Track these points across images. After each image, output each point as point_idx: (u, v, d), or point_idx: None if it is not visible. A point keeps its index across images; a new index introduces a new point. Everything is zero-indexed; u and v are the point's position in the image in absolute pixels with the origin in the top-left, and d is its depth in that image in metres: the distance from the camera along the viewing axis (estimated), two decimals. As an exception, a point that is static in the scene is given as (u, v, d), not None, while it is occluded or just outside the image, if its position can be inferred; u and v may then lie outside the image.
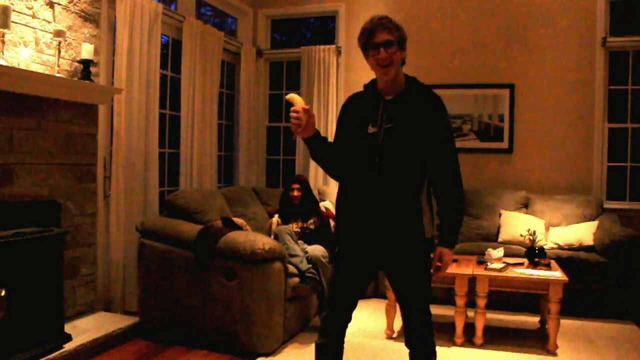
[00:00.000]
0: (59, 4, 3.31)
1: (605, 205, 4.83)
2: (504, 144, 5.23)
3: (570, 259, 4.12)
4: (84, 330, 3.24)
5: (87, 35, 3.55)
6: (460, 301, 3.47)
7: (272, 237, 3.85)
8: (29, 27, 3.10)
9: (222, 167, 5.52)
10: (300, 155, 5.69)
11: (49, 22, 3.23)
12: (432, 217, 2.16)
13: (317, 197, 4.86)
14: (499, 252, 3.75)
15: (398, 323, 3.88)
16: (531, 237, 3.78)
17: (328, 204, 4.83)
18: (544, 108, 5.13)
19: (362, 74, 5.51)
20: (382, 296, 3.72)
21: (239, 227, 3.69)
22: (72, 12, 3.43)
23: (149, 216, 3.99)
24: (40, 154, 3.12)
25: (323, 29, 6.35)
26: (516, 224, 4.55)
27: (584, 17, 5.00)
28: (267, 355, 3.27)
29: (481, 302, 3.45)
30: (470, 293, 3.49)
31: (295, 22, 6.34)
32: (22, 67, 2.94)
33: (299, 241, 3.90)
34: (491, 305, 3.64)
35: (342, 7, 5.68)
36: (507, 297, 4.01)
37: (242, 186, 5.36)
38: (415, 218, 2.10)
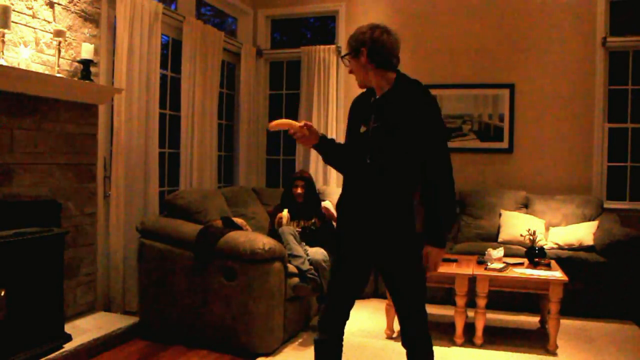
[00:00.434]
0: (59, 4, 3.31)
1: (605, 205, 4.83)
2: (504, 144, 5.23)
3: (570, 259, 4.12)
4: (84, 330, 3.24)
5: (87, 35, 3.55)
6: (460, 301, 3.47)
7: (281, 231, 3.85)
8: (29, 27, 3.10)
9: (222, 167, 5.52)
10: (300, 155, 5.69)
11: (49, 22, 3.23)
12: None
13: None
14: (499, 252, 3.75)
15: (398, 323, 3.88)
16: (531, 237, 3.78)
17: (328, 204, 4.83)
18: (544, 108, 5.13)
19: (362, 74, 5.53)
20: (382, 296, 3.72)
21: (239, 227, 3.69)
22: (72, 12, 3.43)
23: (149, 216, 3.99)
24: (40, 154, 3.12)
25: (323, 29, 6.36)
26: (516, 224, 4.55)
27: (584, 17, 5.00)
28: (267, 355, 3.27)
29: (481, 302, 3.45)
30: (470, 293, 3.49)
31: (295, 22, 6.34)
32: (22, 67, 2.93)
33: (302, 242, 3.88)
34: (491, 305, 3.64)
35: (342, 7, 5.68)
36: (507, 297, 4.01)
37: (242, 186, 5.36)
38: (406, 217, 2.11)
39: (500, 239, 4.63)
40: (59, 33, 3.17)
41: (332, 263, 2.30)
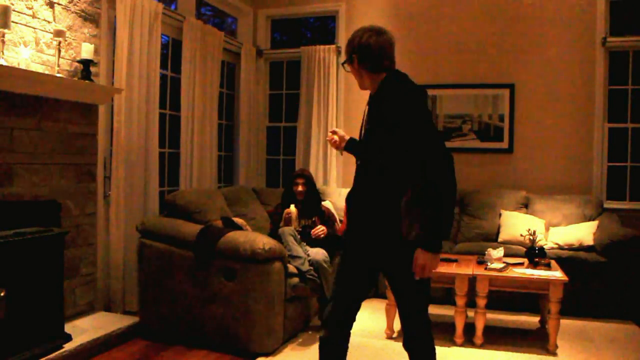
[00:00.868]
0: (59, 4, 3.31)
1: (605, 205, 4.83)
2: (504, 144, 5.23)
3: (570, 259, 4.12)
4: (84, 330, 3.24)
5: (87, 35, 3.55)
6: (460, 301, 3.47)
7: (293, 225, 3.84)
8: (29, 27, 3.10)
9: (222, 167, 5.52)
10: (300, 155, 5.69)
11: (49, 22, 3.23)
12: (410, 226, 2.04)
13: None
14: (499, 252, 3.74)
15: (398, 323, 3.88)
16: (531, 237, 3.78)
17: (328, 204, 4.83)
18: (544, 108, 5.13)
19: (362, 74, 5.53)
20: (382, 296, 3.72)
21: (239, 227, 3.69)
22: (72, 12, 3.43)
23: (149, 216, 3.99)
24: (40, 154, 3.12)
25: (323, 29, 6.36)
26: (516, 224, 4.55)
27: (584, 17, 5.00)
28: (267, 355, 3.27)
29: (481, 302, 3.45)
30: (470, 293, 3.49)
31: (295, 22, 6.34)
32: (22, 67, 2.93)
33: (302, 242, 3.86)
34: (491, 305, 3.63)
35: (342, 7, 5.68)
36: (507, 297, 4.01)
37: (242, 186, 5.36)
38: (395, 218, 2.02)
39: (500, 239, 4.63)
40: (59, 33, 3.17)
41: (339, 265, 2.29)
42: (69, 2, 3.39)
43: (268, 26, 6.09)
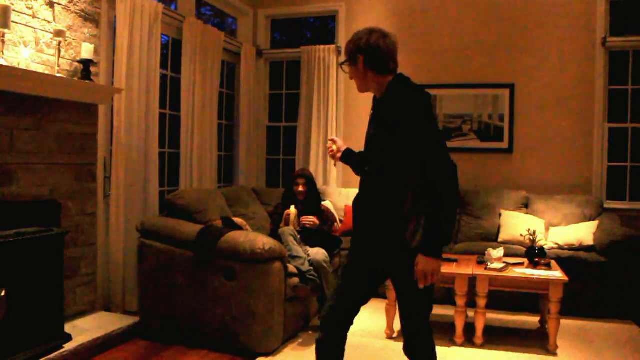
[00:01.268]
0: (59, 4, 3.31)
1: (605, 205, 4.83)
2: (504, 144, 5.23)
3: (570, 259, 4.12)
4: (84, 330, 3.24)
5: (87, 35, 3.55)
6: (460, 301, 3.47)
7: (292, 226, 3.83)
8: (29, 27, 3.10)
9: (222, 167, 5.52)
10: (300, 155, 5.70)
11: (49, 22, 3.23)
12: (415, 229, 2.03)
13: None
14: (499, 252, 3.74)
15: (398, 323, 3.87)
16: (531, 237, 3.78)
17: (328, 204, 4.83)
18: (544, 108, 5.13)
19: (362, 74, 5.52)
20: (382, 296, 3.71)
21: (239, 227, 3.69)
22: (72, 12, 3.43)
23: (149, 216, 3.99)
24: (40, 154, 3.12)
25: (323, 29, 6.36)
26: (516, 224, 4.55)
27: (584, 17, 5.00)
28: (267, 355, 3.27)
29: (481, 302, 3.45)
30: (470, 293, 3.49)
31: (295, 22, 6.35)
32: (22, 67, 2.93)
33: (302, 242, 3.86)
34: (491, 305, 3.63)
35: (342, 7, 5.68)
36: (507, 297, 4.01)
37: (242, 186, 5.36)
38: (398, 226, 2.02)
39: (500, 239, 4.63)
40: (59, 33, 3.17)
41: (342, 267, 2.29)
42: (69, 2, 3.39)
43: (268, 26, 6.09)
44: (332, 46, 5.60)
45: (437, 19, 5.37)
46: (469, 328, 3.56)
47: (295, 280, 3.52)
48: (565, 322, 3.69)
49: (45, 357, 2.80)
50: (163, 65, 4.45)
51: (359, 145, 2.37)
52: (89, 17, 3.56)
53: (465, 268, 3.58)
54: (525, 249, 3.92)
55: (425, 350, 2.13)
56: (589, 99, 5.01)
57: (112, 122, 3.85)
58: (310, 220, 3.92)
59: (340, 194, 5.25)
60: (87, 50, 3.36)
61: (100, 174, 3.74)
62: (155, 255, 3.52)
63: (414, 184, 1.98)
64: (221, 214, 3.95)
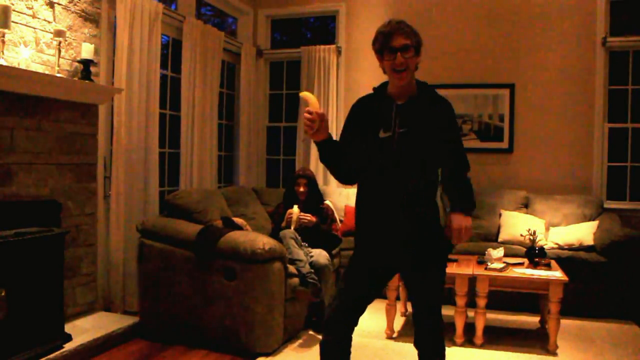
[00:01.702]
0: (59, 4, 3.31)
1: (605, 205, 4.83)
2: (504, 144, 5.23)
3: (570, 259, 4.11)
4: (84, 330, 3.24)
5: (87, 35, 3.55)
6: (461, 301, 3.47)
7: (293, 227, 3.82)
8: (29, 27, 3.10)
9: (222, 167, 5.52)
10: (300, 155, 5.70)
11: (49, 22, 3.23)
12: (445, 213, 2.16)
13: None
14: (499, 252, 3.74)
15: (398, 323, 3.88)
16: (531, 237, 3.78)
17: (328, 203, 4.82)
18: (544, 108, 5.13)
19: (362, 74, 5.53)
20: (382, 296, 3.71)
21: (239, 227, 3.69)
22: (72, 12, 3.43)
23: (149, 216, 3.99)
24: (40, 154, 3.12)
25: (323, 29, 6.36)
26: (516, 224, 4.55)
27: (584, 17, 5.00)
28: (267, 355, 3.27)
29: (481, 302, 3.45)
30: (470, 293, 3.49)
31: (295, 22, 6.35)
32: (22, 67, 2.93)
33: (304, 243, 3.85)
34: (491, 305, 3.63)
35: (342, 7, 5.68)
36: (507, 297, 4.00)
37: (242, 186, 5.36)
38: (432, 220, 2.09)
39: (500, 239, 4.63)
40: (59, 33, 3.16)
41: (347, 267, 2.27)
42: (69, 2, 3.39)
43: (268, 26, 6.09)
44: (332, 46, 5.60)
45: (437, 19, 5.37)
46: (469, 328, 3.56)
47: (295, 281, 3.52)
48: (565, 322, 3.69)
49: (45, 357, 2.80)
50: (163, 65, 4.45)
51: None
52: (89, 17, 3.56)
53: (465, 268, 3.58)
54: (525, 249, 3.92)
55: (438, 345, 2.16)
56: (589, 99, 5.01)
57: (112, 122, 3.85)
58: (307, 217, 3.91)
59: (341, 194, 5.25)
60: (87, 50, 3.36)
61: (100, 174, 3.74)
62: (155, 255, 3.52)
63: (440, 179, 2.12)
64: (221, 214, 3.95)
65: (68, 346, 2.97)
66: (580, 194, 4.87)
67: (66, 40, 3.33)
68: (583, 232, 4.39)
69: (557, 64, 5.08)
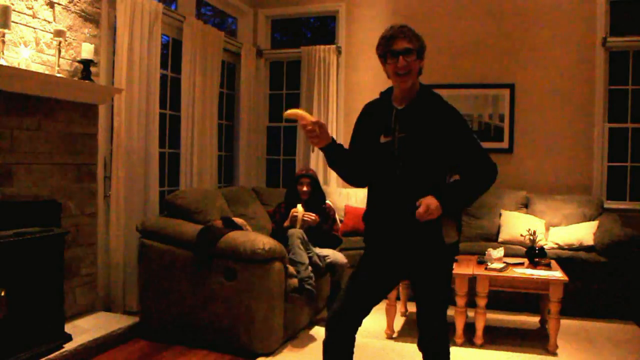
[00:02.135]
0: (59, 4, 3.31)
1: (606, 205, 4.83)
2: (504, 144, 5.23)
3: (570, 259, 4.11)
4: (84, 330, 3.24)
5: (88, 35, 3.55)
6: (461, 301, 3.46)
7: (299, 226, 3.82)
8: (29, 27, 3.10)
9: (222, 167, 5.52)
10: (300, 155, 5.70)
11: (49, 22, 3.23)
12: (458, 223, 2.15)
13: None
14: (499, 252, 3.74)
15: (398, 323, 3.88)
16: (531, 237, 3.78)
17: (329, 203, 4.82)
18: (544, 108, 5.14)
19: (363, 74, 5.52)
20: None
21: (239, 227, 3.69)
22: (72, 12, 3.43)
23: (149, 216, 3.99)
24: (40, 154, 3.12)
25: (323, 29, 6.36)
26: (516, 224, 4.55)
27: (584, 17, 5.00)
28: (267, 355, 3.27)
29: (481, 302, 3.45)
30: (470, 293, 3.49)
31: (295, 22, 6.35)
32: (22, 67, 2.93)
33: (309, 243, 3.84)
34: (491, 305, 3.63)
35: (342, 7, 5.67)
36: (507, 297, 4.01)
37: (242, 186, 5.36)
38: (436, 225, 2.07)
39: (500, 239, 4.63)
40: (59, 33, 3.16)
41: (356, 269, 2.27)
42: (69, 2, 3.39)
43: (268, 26, 6.09)
44: (332, 46, 5.60)
45: (437, 19, 5.37)
46: (469, 328, 3.56)
47: (295, 282, 3.51)
48: (565, 322, 3.69)
49: (46, 357, 2.80)
50: (163, 65, 4.45)
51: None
52: (89, 17, 3.56)
53: (466, 268, 3.58)
54: (525, 249, 3.92)
55: (443, 347, 2.17)
56: (589, 99, 5.01)
57: (112, 122, 3.85)
58: (311, 217, 3.90)
59: (340, 194, 5.25)
60: (87, 50, 3.36)
61: (100, 174, 3.74)
62: (155, 256, 3.52)
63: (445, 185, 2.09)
64: (221, 214, 3.95)
65: (68, 346, 2.97)
66: (580, 194, 4.87)
67: (66, 40, 3.33)
68: (583, 232, 4.39)
69: (557, 64, 5.08)
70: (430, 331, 2.16)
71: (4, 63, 2.77)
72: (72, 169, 3.37)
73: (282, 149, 6.08)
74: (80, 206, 3.45)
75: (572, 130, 5.05)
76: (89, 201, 3.52)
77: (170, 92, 4.71)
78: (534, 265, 3.67)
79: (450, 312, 3.58)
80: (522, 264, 3.70)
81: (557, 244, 4.41)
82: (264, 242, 3.28)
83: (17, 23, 3.00)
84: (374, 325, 3.84)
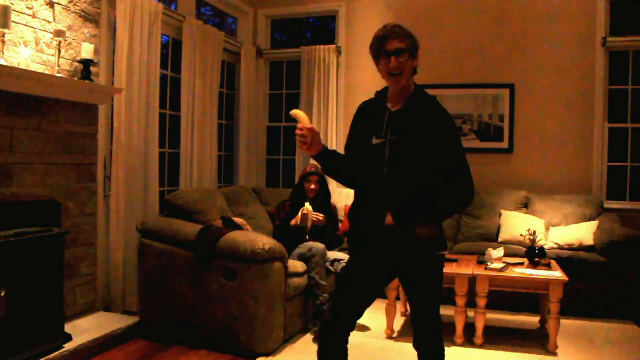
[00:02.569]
0: (59, 4, 3.31)
1: (606, 205, 4.83)
2: (504, 144, 5.23)
3: (570, 259, 4.11)
4: (84, 330, 3.24)
5: (88, 35, 3.55)
6: (461, 301, 3.47)
7: (309, 225, 3.81)
8: (29, 27, 3.10)
9: (222, 167, 5.52)
10: (300, 155, 5.69)
11: (49, 22, 3.23)
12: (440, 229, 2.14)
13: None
14: (499, 252, 3.74)
15: (398, 323, 3.88)
16: (531, 237, 3.78)
17: (334, 203, 4.81)
18: (544, 108, 5.13)
19: (363, 74, 5.52)
20: (382, 296, 3.70)
21: (239, 227, 3.69)
22: (73, 12, 3.42)
23: (149, 216, 3.99)
24: (40, 154, 3.12)
25: (323, 29, 6.36)
26: (516, 224, 4.55)
27: (584, 17, 5.00)
28: (267, 355, 3.27)
29: (481, 302, 3.45)
30: (470, 293, 3.49)
31: (295, 22, 6.35)
32: (22, 67, 2.93)
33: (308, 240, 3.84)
34: (491, 305, 3.63)
35: (342, 7, 5.67)
36: (507, 297, 4.01)
37: (242, 186, 5.36)
38: (425, 225, 2.07)
39: (500, 239, 4.63)
40: (59, 33, 3.16)
41: (344, 273, 2.26)
42: (69, 2, 3.39)
43: (268, 26, 6.09)
44: (332, 46, 5.59)
45: (437, 19, 5.37)
46: (469, 328, 3.56)
47: (295, 281, 3.51)
48: (565, 322, 3.69)
49: (46, 357, 2.80)
50: (163, 65, 4.45)
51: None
52: (89, 17, 3.56)
53: (466, 268, 3.58)
54: (525, 249, 3.92)
55: (439, 344, 2.16)
56: (589, 99, 5.01)
57: (112, 122, 3.85)
58: (320, 216, 3.90)
59: (341, 194, 5.25)
60: (87, 50, 3.36)
61: (100, 174, 3.74)
62: (155, 256, 3.52)
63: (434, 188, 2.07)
64: (221, 214, 3.95)
65: (68, 346, 2.97)
66: (580, 194, 4.87)
67: (66, 40, 3.33)
68: (583, 232, 4.39)
69: (557, 64, 5.08)
70: (424, 330, 2.16)
71: (4, 63, 2.77)
72: (72, 169, 3.37)
73: (282, 149, 6.08)
74: (80, 206, 3.45)
75: (572, 130, 5.05)
76: (89, 201, 3.52)
77: (170, 92, 4.71)
78: (534, 265, 3.67)
79: (450, 312, 3.61)
80: (522, 264, 3.70)
81: (557, 244, 4.41)
82: (264, 242, 3.28)
83: (17, 23, 3.00)
84: (374, 325, 3.84)
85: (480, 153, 5.25)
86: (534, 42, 5.13)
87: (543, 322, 3.84)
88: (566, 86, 5.06)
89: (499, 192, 4.96)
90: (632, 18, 5.06)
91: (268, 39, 6.09)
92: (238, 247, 3.28)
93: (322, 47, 5.60)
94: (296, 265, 3.59)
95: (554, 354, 3.35)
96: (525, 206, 4.87)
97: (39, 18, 3.16)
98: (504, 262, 3.65)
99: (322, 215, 3.91)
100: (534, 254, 3.71)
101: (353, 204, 2.23)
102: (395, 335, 3.67)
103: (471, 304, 3.51)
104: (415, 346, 2.18)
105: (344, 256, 3.85)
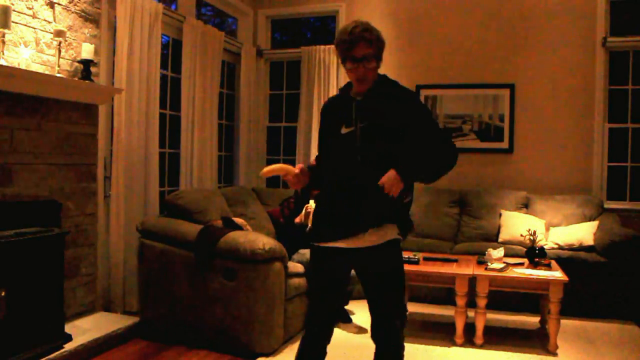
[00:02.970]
0: (59, 4, 3.31)
1: (606, 205, 4.83)
2: (504, 144, 5.23)
3: (570, 259, 4.11)
4: (84, 330, 3.24)
5: (88, 35, 3.55)
6: (461, 301, 3.47)
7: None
8: (29, 27, 3.10)
9: (222, 167, 5.52)
10: (300, 155, 5.69)
11: (49, 22, 3.23)
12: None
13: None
14: (499, 252, 3.74)
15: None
16: (531, 237, 3.78)
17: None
18: (544, 108, 5.13)
19: (362, 74, 5.53)
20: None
21: (239, 227, 3.69)
22: (73, 12, 3.43)
23: (149, 216, 3.99)
24: (40, 154, 3.12)
25: (323, 29, 6.36)
26: (516, 224, 4.55)
27: (584, 17, 5.00)
28: (267, 355, 3.27)
29: (481, 302, 3.45)
30: (470, 293, 3.49)
31: (295, 22, 6.35)
32: (23, 67, 2.93)
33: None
34: (491, 305, 3.63)
35: (342, 7, 5.68)
36: (507, 297, 4.00)
37: (242, 186, 5.36)
38: (393, 214, 2.09)
39: (500, 239, 4.63)
40: (59, 33, 3.16)
41: (310, 276, 2.28)
42: (69, 2, 3.39)
43: (268, 26, 6.09)
44: (332, 46, 5.55)
45: (437, 19, 5.37)
46: (469, 328, 3.56)
47: (295, 281, 3.50)
48: (565, 322, 3.69)
49: (46, 357, 2.81)
50: (163, 65, 4.45)
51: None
52: (89, 17, 3.56)
53: (466, 268, 3.58)
54: (525, 249, 3.92)
55: (397, 336, 2.16)
56: (589, 99, 5.01)
57: (112, 122, 3.85)
58: None
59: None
60: (87, 51, 3.36)
61: (100, 174, 3.74)
62: (155, 256, 3.52)
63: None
64: (221, 214, 3.95)
65: (68, 346, 2.97)
66: (580, 194, 4.87)
67: (66, 40, 3.33)
68: (583, 232, 4.39)
69: (557, 64, 5.08)
70: (383, 322, 2.16)
71: (4, 63, 2.77)
72: (72, 169, 3.37)
73: (282, 149, 6.08)
74: (80, 206, 3.45)
75: (572, 130, 5.05)
76: (89, 201, 3.53)
77: (170, 92, 4.71)
78: (534, 265, 3.67)
79: (450, 312, 3.61)
80: (522, 264, 3.70)
81: (557, 244, 4.41)
82: (264, 242, 3.28)
83: (17, 23, 3.00)
84: (374, 325, 3.84)
85: (480, 153, 5.25)
86: (534, 42, 5.13)
87: (543, 322, 3.84)
88: (566, 86, 5.06)
89: (499, 192, 4.96)
90: (632, 18, 5.06)
91: (268, 39, 6.09)
92: (238, 247, 3.28)
93: (322, 47, 5.60)
94: (296, 265, 3.59)
95: (554, 354, 3.35)
96: (525, 206, 4.87)
97: (39, 18, 3.16)
98: (504, 262, 3.65)
99: None
100: (534, 254, 3.71)
101: (321, 196, 2.23)
102: (395, 335, 3.67)
103: (471, 304, 3.51)
104: (373, 338, 2.20)
105: None
